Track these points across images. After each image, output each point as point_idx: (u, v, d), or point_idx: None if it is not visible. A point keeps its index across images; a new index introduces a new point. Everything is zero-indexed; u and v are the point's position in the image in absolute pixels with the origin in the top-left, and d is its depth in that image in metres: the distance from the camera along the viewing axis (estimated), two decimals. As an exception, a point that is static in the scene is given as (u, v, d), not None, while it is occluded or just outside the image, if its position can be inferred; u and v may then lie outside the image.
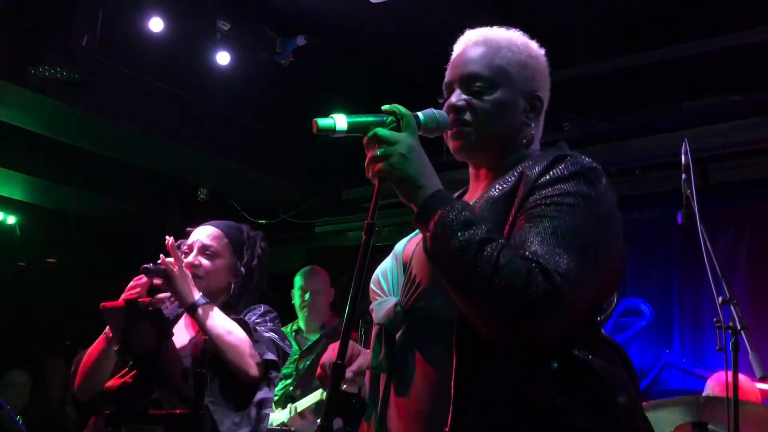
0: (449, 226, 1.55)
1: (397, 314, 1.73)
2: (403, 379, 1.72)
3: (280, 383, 4.46)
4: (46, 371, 6.87)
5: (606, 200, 1.66)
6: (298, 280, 4.75)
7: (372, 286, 1.86)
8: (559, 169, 1.66)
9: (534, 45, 1.93)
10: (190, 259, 2.76)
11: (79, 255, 7.95)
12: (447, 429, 1.57)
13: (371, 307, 1.81)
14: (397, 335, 1.74)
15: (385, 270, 1.86)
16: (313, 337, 4.68)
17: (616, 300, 1.74)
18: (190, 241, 2.85)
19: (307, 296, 4.65)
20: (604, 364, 1.60)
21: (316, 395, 4.22)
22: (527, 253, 1.52)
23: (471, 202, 1.73)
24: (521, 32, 1.93)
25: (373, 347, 1.77)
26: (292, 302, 4.76)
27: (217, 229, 2.87)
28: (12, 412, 4.52)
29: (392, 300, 1.76)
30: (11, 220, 7.65)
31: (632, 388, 1.65)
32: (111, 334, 2.42)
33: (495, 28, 1.94)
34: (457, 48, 1.95)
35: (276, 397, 4.42)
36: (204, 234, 2.85)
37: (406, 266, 1.80)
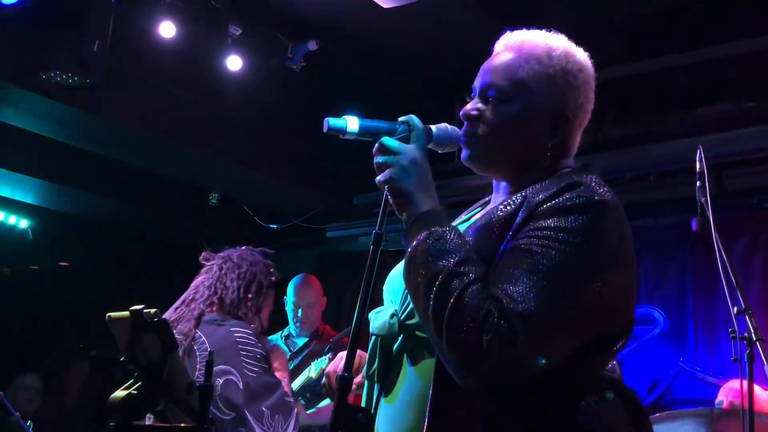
0: (424, 252, 1.52)
1: (391, 325, 1.71)
2: (393, 390, 1.70)
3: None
4: (59, 375, 6.88)
5: (608, 238, 1.53)
6: (290, 294, 4.75)
7: (384, 288, 1.85)
8: (562, 200, 1.53)
9: (577, 55, 1.77)
10: None
11: (92, 259, 7.97)
12: None
13: (369, 315, 1.78)
14: (395, 345, 1.72)
15: (394, 276, 1.83)
16: (301, 341, 4.76)
17: (625, 339, 1.62)
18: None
19: (299, 312, 4.69)
20: (592, 405, 1.51)
21: (302, 377, 4.28)
22: (497, 290, 1.46)
23: (475, 219, 1.70)
24: (566, 37, 1.80)
25: (368, 356, 1.76)
26: (285, 309, 4.77)
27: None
28: (22, 417, 4.53)
29: (389, 310, 1.74)
30: (24, 224, 7.67)
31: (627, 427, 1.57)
32: None
33: (537, 32, 1.80)
34: (495, 49, 1.83)
35: None
36: None
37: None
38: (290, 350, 4.68)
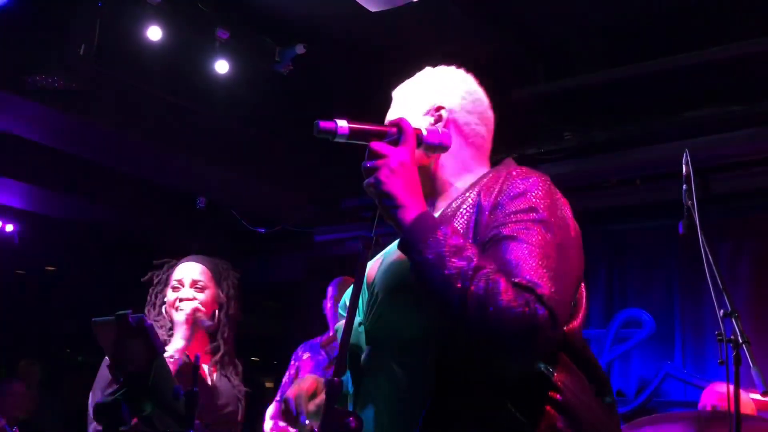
0: (442, 252, 1.53)
1: (359, 334, 1.72)
2: (365, 398, 1.71)
3: None
4: (44, 380, 6.85)
5: (563, 208, 1.69)
6: (331, 291, 4.68)
7: (340, 310, 1.86)
8: (514, 186, 1.67)
9: None
10: (186, 294, 2.99)
11: (79, 264, 7.93)
12: None
13: (335, 327, 1.83)
14: (363, 354, 1.73)
15: (346, 300, 1.86)
16: None
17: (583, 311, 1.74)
18: (178, 276, 3.05)
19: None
20: (565, 379, 1.60)
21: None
22: (516, 279, 1.52)
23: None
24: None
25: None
26: (323, 312, 4.68)
27: (202, 265, 3.09)
28: (8, 424, 4.51)
29: (356, 319, 1.75)
30: (9, 228, 7.63)
31: (596, 406, 1.64)
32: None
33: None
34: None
35: None
36: (192, 270, 3.06)
37: (369, 287, 1.79)
38: (329, 357, 4.54)
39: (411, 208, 1.60)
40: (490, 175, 1.78)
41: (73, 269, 8.02)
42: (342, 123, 1.65)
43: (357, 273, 1.57)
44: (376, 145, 1.64)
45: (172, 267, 3.11)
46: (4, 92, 4.98)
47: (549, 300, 1.50)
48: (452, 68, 2.00)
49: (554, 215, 1.64)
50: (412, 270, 1.58)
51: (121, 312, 1.85)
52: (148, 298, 3.13)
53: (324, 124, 1.65)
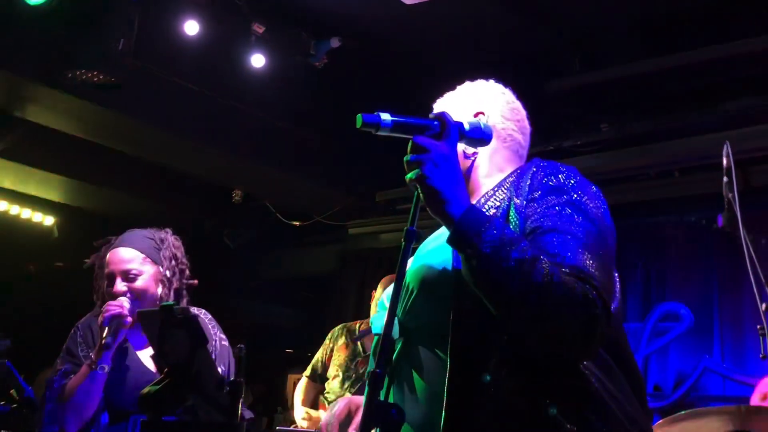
0: (498, 245, 1.53)
1: (395, 326, 1.73)
2: (398, 387, 1.73)
3: (338, 381, 4.41)
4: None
5: (597, 198, 1.72)
6: (380, 288, 4.59)
7: (378, 307, 1.88)
8: (547, 179, 1.69)
9: None
10: (119, 288, 2.75)
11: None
12: None
13: (370, 320, 1.83)
14: (397, 345, 1.76)
15: (384, 297, 1.89)
16: None
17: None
18: (109, 268, 2.82)
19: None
20: (599, 374, 1.60)
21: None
22: (566, 269, 1.54)
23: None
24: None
25: (371, 355, 1.80)
26: (371, 302, 4.64)
27: (131, 249, 2.85)
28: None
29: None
30: (49, 221, 7.74)
31: (628, 399, 1.64)
32: (92, 365, 2.53)
33: None
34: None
35: (335, 395, 4.37)
36: (119, 260, 2.82)
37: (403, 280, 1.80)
38: (365, 350, 4.45)
39: (458, 202, 1.59)
40: (518, 172, 1.81)
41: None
42: (385, 116, 1.65)
43: (399, 267, 1.57)
44: (420, 139, 1.63)
45: (108, 250, 2.87)
46: (44, 87, 5.05)
47: (601, 288, 1.53)
48: (491, 81, 2.02)
49: (590, 205, 1.67)
50: (465, 264, 1.58)
51: (166, 303, 1.87)
52: (94, 285, 2.96)
53: (367, 117, 1.65)
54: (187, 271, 2.96)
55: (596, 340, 1.55)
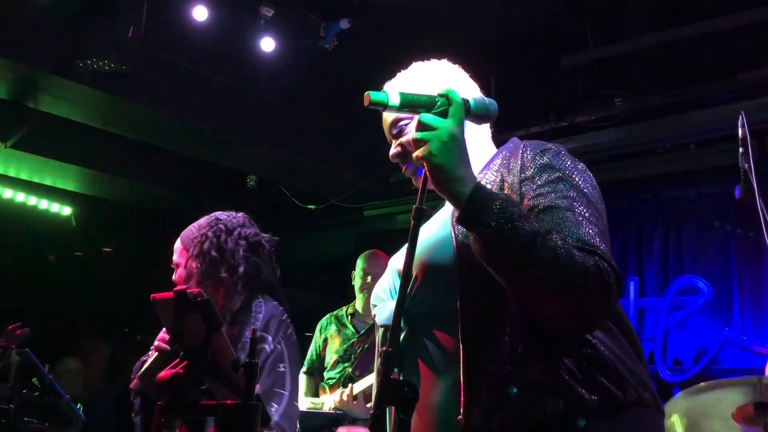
0: (511, 220, 1.53)
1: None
2: (410, 376, 1.72)
3: (338, 366, 4.47)
4: (103, 357, 6.98)
5: (586, 172, 1.74)
6: (360, 263, 4.72)
7: (372, 303, 1.88)
8: (537, 158, 1.70)
9: None
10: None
11: (134, 244, 8.08)
12: (461, 417, 1.60)
13: (373, 312, 1.85)
14: (402, 335, 1.74)
15: (383, 286, 1.87)
16: (370, 322, 4.65)
17: None
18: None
19: (369, 279, 4.59)
20: (601, 336, 1.62)
21: (370, 379, 4.20)
22: (573, 243, 1.55)
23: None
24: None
25: (378, 348, 1.82)
26: (352, 283, 4.72)
27: (179, 239, 2.63)
28: (70, 401, 4.62)
29: (392, 302, 1.77)
30: (66, 211, 7.80)
31: (635, 363, 1.64)
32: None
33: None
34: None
35: (334, 380, 4.44)
36: (175, 248, 2.65)
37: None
38: (357, 330, 4.56)
39: (466, 180, 1.58)
40: (503, 153, 1.80)
41: (129, 249, 8.18)
42: (393, 92, 1.65)
43: (409, 245, 1.56)
44: (427, 117, 1.62)
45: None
46: (56, 77, 5.07)
47: (609, 259, 1.56)
48: (444, 61, 1.99)
49: (581, 181, 1.69)
50: (478, 242, 1.57)
51: (179, 288, 1.88)
52: None
53: (374, 95, 1.65)
54: (242, 265, 2.58)
55: (611, 309, 1.57)
